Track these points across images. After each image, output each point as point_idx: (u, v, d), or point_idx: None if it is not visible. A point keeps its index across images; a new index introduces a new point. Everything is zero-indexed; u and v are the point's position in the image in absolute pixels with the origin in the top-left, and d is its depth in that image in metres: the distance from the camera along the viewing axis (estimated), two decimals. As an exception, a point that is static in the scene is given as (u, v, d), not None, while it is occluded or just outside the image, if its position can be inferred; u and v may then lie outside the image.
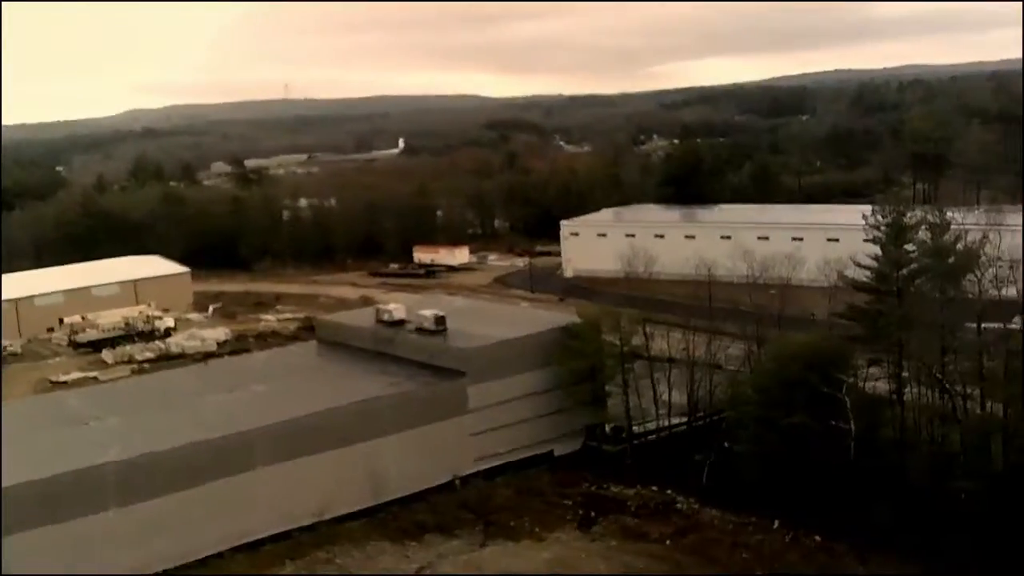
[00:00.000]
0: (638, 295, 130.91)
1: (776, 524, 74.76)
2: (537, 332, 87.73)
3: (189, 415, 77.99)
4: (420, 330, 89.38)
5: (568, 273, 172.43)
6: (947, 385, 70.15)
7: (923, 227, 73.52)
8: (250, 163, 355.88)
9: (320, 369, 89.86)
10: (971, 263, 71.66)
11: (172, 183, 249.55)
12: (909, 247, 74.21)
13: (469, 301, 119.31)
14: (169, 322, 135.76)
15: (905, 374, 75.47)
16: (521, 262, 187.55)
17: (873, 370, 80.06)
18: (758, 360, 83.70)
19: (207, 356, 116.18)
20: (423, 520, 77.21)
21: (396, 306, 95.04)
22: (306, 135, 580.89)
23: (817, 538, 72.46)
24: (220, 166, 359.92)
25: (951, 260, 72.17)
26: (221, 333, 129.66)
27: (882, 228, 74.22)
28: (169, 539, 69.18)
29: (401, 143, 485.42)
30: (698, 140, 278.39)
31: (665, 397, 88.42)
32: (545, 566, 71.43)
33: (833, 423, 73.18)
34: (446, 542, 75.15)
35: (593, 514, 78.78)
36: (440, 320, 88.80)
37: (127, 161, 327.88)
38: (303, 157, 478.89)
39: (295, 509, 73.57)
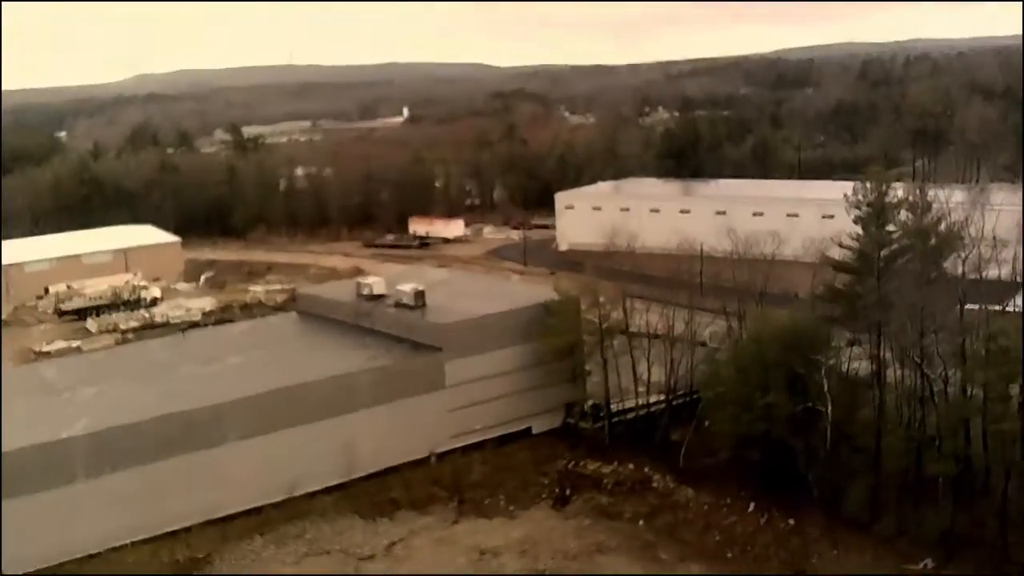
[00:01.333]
0: (629, 270, 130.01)
1: (752, 507, 74.32)
2: (516, 308, 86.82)
3: (162, 387, 77.36)
4: (399, 304, 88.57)
5: (562, 247, 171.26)
6: (924, 369, 69.07)
7: (905, 207, 72.21)
8: (252, 130, 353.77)
9: (297, 342, 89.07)
10: (952, 244, 70.54)
11: (170, 150, 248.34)
12: (891, 227, 72.93)
13: (452, 274, 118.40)
14: (155, 291, 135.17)
15: (888, 354, 74.54)
16: (516, 235, 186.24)
17: (856, 351, 79.43)
18: (737, 338, 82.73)
19: (191, 326, 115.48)
20: (396, 496, 76.81)
21: (376, 279, 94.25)
22: (311, 101, 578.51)
23: (791, 521, 72.01)
24: (222, 133, 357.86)
25: (932, 241, 71.00)
26: (206, 303, 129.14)
27: (863, 208, 72.96)
28: (137, 511, 68.90)
29: (405, 111, 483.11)
30: (698, 114, 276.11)
31: (646, 374, 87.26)
32: (516, 544, 71.10)
33: (810, 405, 72.43)
34: (418, 519, 74.80)
35: (568, 492, 78.40)
36: (419, 295, 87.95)
37: (129, 126, 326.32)
38: (307, 124, 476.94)
39: (266, 483, 73.12)
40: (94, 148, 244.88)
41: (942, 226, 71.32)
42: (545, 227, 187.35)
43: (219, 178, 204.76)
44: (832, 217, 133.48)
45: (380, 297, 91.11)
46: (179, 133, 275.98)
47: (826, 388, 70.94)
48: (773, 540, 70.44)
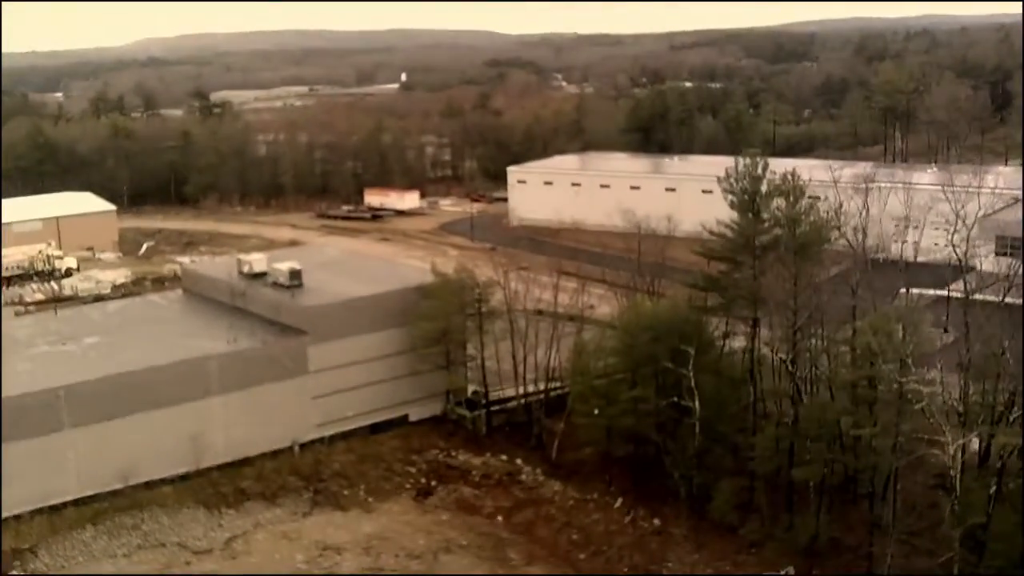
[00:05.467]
0: (573, 246, 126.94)
1: (619, 503, 70.81)
2: (390, 291, 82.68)
3: (6, 368, 73.25)
4: (276, 284, 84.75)
5: (513, 222, 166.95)
6: (791, 367, 64.92)
7: (777, 194, 67.60)
8: (244, 95, 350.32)
9: (167, 322, 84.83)
10: (821, 234, 66.29)
11: (135, 115, 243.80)
12: (766, 215, 68.44)
13: (345, 253, 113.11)
14: (71, 262, 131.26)
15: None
16: (473, 208, 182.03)
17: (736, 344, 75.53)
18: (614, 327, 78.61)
19: (98, 298, 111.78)
20: (247, 487, 73.18)
21: (257, 257, 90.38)
22: (312, 67, 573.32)
23: (656, 521, 68.59)
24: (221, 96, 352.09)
25: (805, 230, 66.56)
26: (120, 276, 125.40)
27: (737, 193, 68.45)
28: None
29: (404, 77, 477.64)
30: (684, 85, 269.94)
31: (533, 360, 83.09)
32: (363, 540, 67.84)
33: (678, 400, 68.56)
34: (268, 511, 71.42)
35: (433, 484, 75.05)
36: (295, 274, 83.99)
37: (125, 89, 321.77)
38: (303, 89, 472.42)
39: (101, 472, 69.43)
40: (58, 111, 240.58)
41: (812, 216, 66.59)
42: (506, 200, 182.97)
43: (173, 144, 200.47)
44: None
45: (260, 276, 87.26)
46: (144, 98, 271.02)
47: (693, 383, 66.94)
48: (633, 541, 67.29)
